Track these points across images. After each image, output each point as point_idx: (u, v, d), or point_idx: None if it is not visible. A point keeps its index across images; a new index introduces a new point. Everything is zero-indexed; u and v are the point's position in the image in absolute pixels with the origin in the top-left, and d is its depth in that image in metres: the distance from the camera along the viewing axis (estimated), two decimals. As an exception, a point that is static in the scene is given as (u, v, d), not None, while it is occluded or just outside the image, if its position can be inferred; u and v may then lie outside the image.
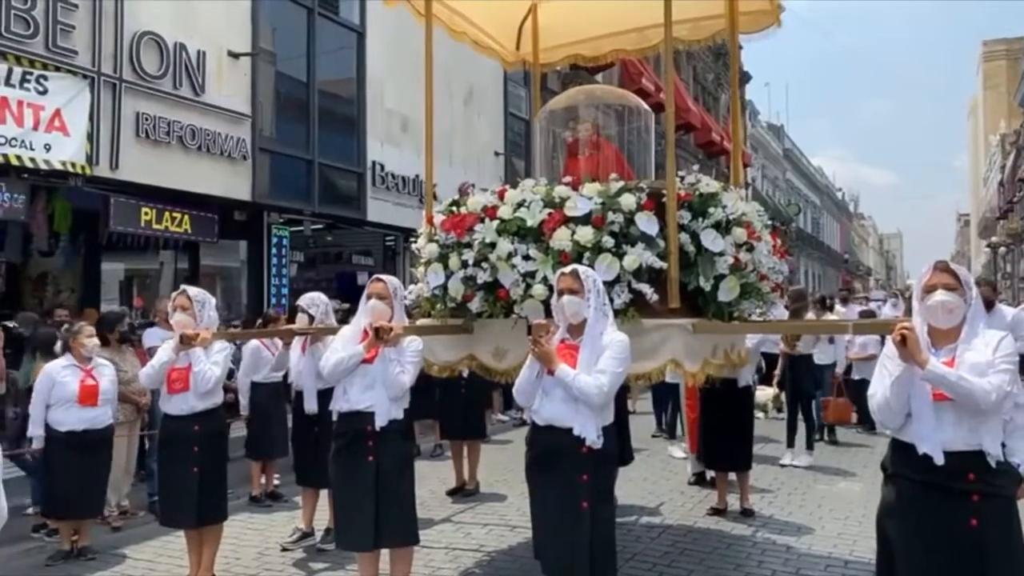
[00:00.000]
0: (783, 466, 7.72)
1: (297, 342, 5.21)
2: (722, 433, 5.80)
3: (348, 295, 10.02)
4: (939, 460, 2.66)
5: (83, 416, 5.16)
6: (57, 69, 8.01)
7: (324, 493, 5.44)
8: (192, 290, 4.56)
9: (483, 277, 4.13)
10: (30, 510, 5.83)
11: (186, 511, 4.37)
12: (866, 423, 9.48)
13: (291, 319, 8.24)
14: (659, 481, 7.15)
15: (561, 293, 3.43)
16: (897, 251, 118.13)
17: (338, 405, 3.87)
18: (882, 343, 9.65)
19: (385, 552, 3.96)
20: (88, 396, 5.16)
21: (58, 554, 5.20)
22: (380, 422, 3.76)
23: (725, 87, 29.05)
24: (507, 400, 10.85)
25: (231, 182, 10.02)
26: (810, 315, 7.75)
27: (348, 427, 3.82)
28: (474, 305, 4.21)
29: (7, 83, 7.57)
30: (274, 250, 11.39)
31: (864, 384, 9.24)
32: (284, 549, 5.31)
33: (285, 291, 11.49)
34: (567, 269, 3.50)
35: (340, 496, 3.88)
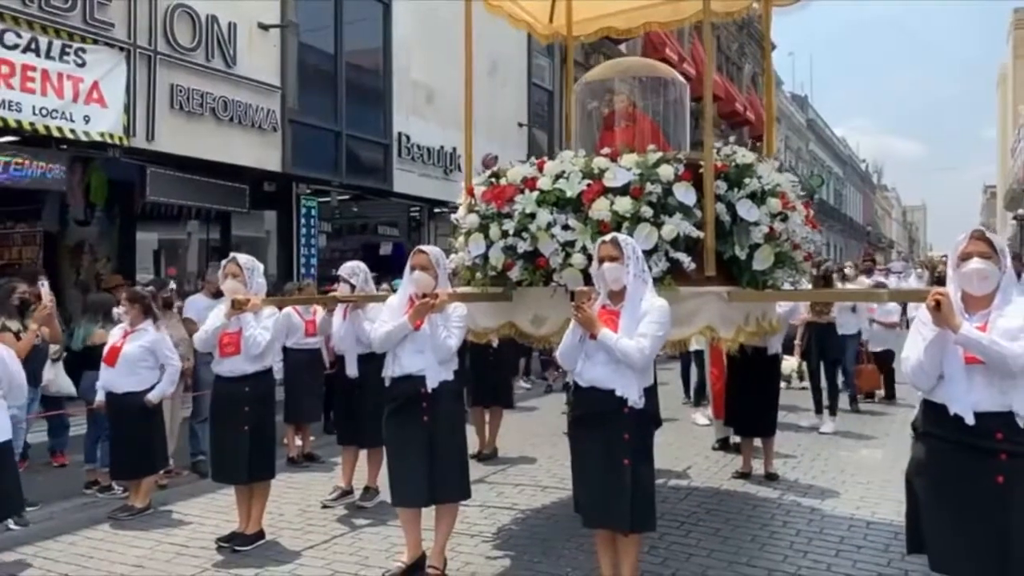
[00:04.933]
0: (812, 430, 7.89)
1: (339, 308, 5.40)
2: (750, 400, 5.94)
3: (374, 266, 10.18)
4: (970, 420, 2.79)
5: (106, 377, 5.35)
6: (95, 42, 8.17)
7: (363, 453, 5.67)
8: (242, 257, 4.74)
9: (523, 247, 4.26)
10: (86, 466, 6.10)
11: (238, 468, 4.61)
12: (886, 393, 9.62)
13: (319, 288, 8.47)
14: (684, 447, 7.32)
15: (602, 261, 3.57)
16: (920, 223, 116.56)
17: (390, 371, 4.04)
18: (903, 313, 9.72)
19: (427, 507, 4.16)
20: (110, 356, 5.32)
21: (120, 508, 5.45)
22: (431, 384, 3.94)
23: (748, 57, 28.71)
24: (528, 367, 11.12)
25: (261, 153, 10.19)
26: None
27: (401, 391, 4.00)
28: (514, 274, 4.35)
29: (47, 55, 7.74)
30: (303, 220, 11.58)
31: (883, 354, 9.44)
32: (325, 506, 5.54)
33: (314, 261, 11.70)
34: (607, 237, 3.62)
35: (395, 456, 4.06)
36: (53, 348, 6.29)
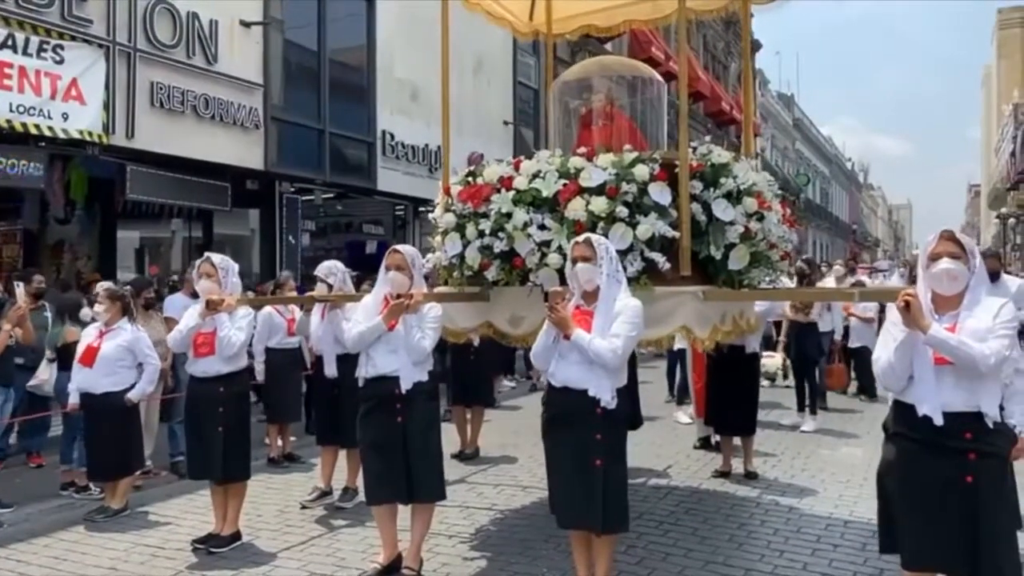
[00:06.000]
0: (793, 429, 7.92)
1: (317, 309, 5.36)
2: (729, 399, 5.95)
3: (358, 264, 10.16)
4: (938, 421, 2.79)
5: (81, 378, 5.27)
6: (73, 38, 8.08)
7: (342, 453, 5.64)
8: (216, 257, 4.70)
9: (499, 246, 4.25)
10: (62, 467, 6.03)
11: (213, 467, 4.57)
12: (867, 391, 9.67)
13: (302, 286, 8.43)
14: (666, 445, 7.33)
15: (575, 261, 3.56)
16: (906, 222, 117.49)
17: (364, 371, 4.02)
18: (882, 310, 9.78)
19: (403, 508, 4.14)
20: (86, 357, 5.23)
21: (97, 510, 5.39)
22: (405, 385, 3.92)
23: (735, 56, 28.79)
24: (511, 365, 11.11)
25: (244, 151, 10.12)
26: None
27: (375, 391, 3.98)
28: (491, 273, 4.34)
29: (24, 52, 7.66)
30: (286, 219, 11.51)
31: (863, 351, 9.49)
32: (304, 507, 5.50)
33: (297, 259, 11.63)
34: (581, 238, 3.62)
35: (369, 456, 4.04)
36: (48, 351, 6.24)
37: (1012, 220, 38.25)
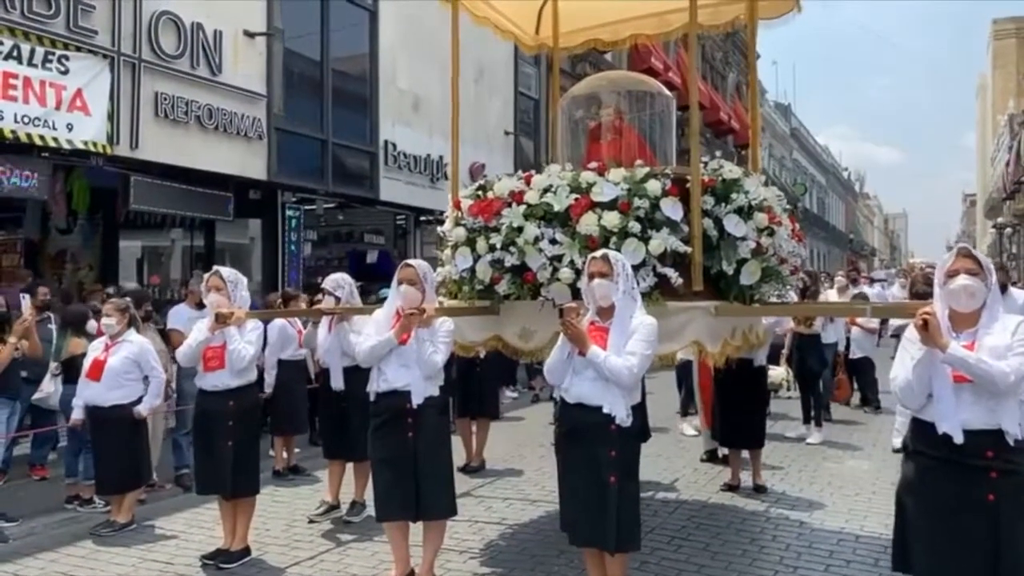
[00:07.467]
0: (799, 441, 7.92)
1: (324, 321, 5.35)
2: (737, 412, 5.94)
3: (359, 274, 10.14)
4: (959, 439, 2.79)
5: (89, 392, 5.25)
6: (78, 49, 8.06)
7: (349, 467, 5.62)
8: (225, 271, 4.69)
9: (510, 260, 4.24)
10: (67, 481, 5.99)
11: (222, 483, 4.55)
12: (870, 402, 9.66)
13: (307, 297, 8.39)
14: (673, 458, 7.31)
15: (592, 277, 3.56)
16: (902, 231, 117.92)
17: (375, 385, 4.01)
18: (883, 321, 9.69)
19: (414, 523, 4.12)
20: (93, 370, 5.22)
21: (103, 524, 5.36)
22: (417, 400, 3.91)
23: (733, 66, 28.91)
24: (513, 376, 11.09)
25: (247, 161, 10.10)
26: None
27: (386, 406, 3.97)
28: (501, 287, 4.33)
29: (30, 63, 7.64)
30: (289, 229, 11.48)
31: (864, 362, 9.49)
32: (311, 521, 5.48)
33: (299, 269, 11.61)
34: (598, 254, 3.61)
35: (380, 472, 4.02)
36: (53, 364, 6.22)
37: (1008, 230, 38.41)
